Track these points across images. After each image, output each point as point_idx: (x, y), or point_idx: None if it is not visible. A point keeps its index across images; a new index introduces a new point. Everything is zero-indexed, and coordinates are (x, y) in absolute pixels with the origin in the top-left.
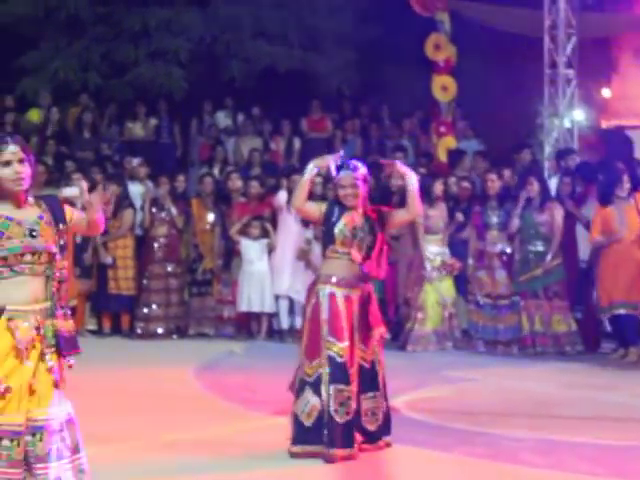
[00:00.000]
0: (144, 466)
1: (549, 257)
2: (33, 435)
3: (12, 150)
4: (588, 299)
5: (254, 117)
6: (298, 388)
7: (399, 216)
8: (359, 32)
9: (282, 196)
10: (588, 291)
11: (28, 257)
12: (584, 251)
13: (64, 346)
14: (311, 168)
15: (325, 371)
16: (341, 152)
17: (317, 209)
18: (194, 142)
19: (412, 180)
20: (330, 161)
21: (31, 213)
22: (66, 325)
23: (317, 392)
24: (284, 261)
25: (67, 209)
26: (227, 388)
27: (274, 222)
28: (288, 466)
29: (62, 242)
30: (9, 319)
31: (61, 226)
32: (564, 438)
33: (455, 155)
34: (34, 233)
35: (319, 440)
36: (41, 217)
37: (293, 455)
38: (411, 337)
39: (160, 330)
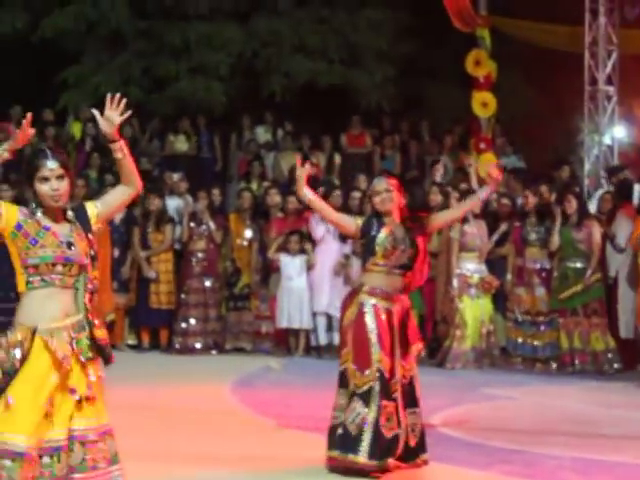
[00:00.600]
0: None
1: (589, 273)
2: (51, 457)
3: (51, 166)
4: (614, 316)
5: (293, 132)
6: (339, 401)
7: (442, 217)
8: (399, 48)
9: (316, 219)
10: (614, 308)
11: (59, 268)
12: (611, 267)
13: (106, 354)
14: (305, 193)
15: (376, 385)
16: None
17: (352, 222)
18: (233, 157)
19: (484, 193)
20: (308, 168)
21: (65, 226)
22: (103, 334)
23: (366, 404)
24: (323, 278)
25: (89, 208)
26: (264, 404)
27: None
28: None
29: (92, 252)
30: (42, 344)
31: (90, 235)
32: (602, 457)
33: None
34: (71, 245)
35: (356, 450)
36: (71, 230)
37: (330, 460)
38: (450, 355)
39: (198, 345)
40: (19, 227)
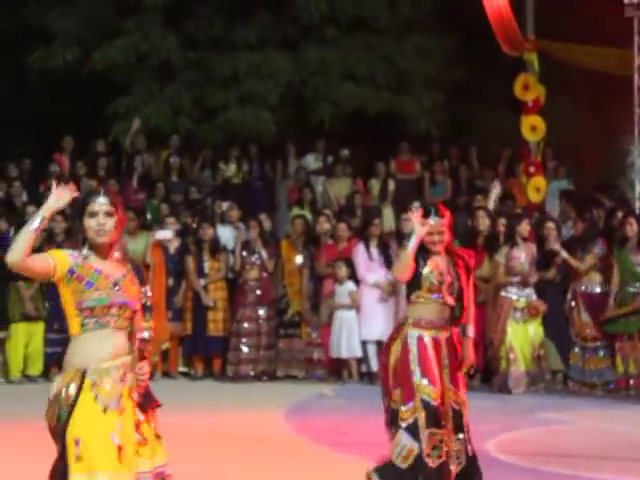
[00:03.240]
0: None
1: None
2: None
3: (100, 202)
4: None
5: (344, 159)
6: (392, 433)
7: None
8: (447, 73)
9: (359, 249)
10: None
11: (114, 310)
12: None
13: (144, 403)
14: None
15: (422, 415)
16: None
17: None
18: (280, 185)
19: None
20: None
21: (116, 269)
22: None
23: (415, 436)
24: (373, 306)
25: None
26: (318, 431)
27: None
28: None
29: (148, 303)
30: (92, 384)
31: (142, 289)
32: None
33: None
34: (117, 287)
35: None
36: (124, 276)
37: None
38: (511, 379)
39: (251, 373)
40: (72, 272)
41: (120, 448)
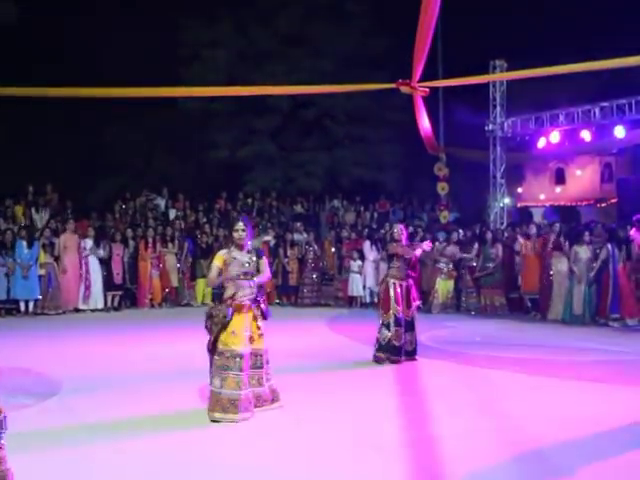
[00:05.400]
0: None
1: (490, 268)
2: (256, 356)
3: (240, 224)
4: (517, 288)
5: (352, 202)
6: (380, 328)
7: (401, 250)
8: (403, 162)
9: (367, 243)
10: (516, 284)
11: (242, 276)
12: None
13: (266, 315)
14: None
15: (392, 320)
16: None
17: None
18: (322, 214)
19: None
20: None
21: (246, 256)
22: (262, 306)
23: (389, 329)
24: (369, 270)
25: (257, 256)
26: (341, 329)
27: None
28: (368, 364)
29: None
30: (238, 304)
31: (259, 263)
32: (501, 354)
33: (452, 223)
34: (246, 265)
35: (388, 352)
36: (250, 258)
37: (377, 357)
38: (434, 306)
39: (309, 302)
40: (226, 263)
41: (251, 337)
